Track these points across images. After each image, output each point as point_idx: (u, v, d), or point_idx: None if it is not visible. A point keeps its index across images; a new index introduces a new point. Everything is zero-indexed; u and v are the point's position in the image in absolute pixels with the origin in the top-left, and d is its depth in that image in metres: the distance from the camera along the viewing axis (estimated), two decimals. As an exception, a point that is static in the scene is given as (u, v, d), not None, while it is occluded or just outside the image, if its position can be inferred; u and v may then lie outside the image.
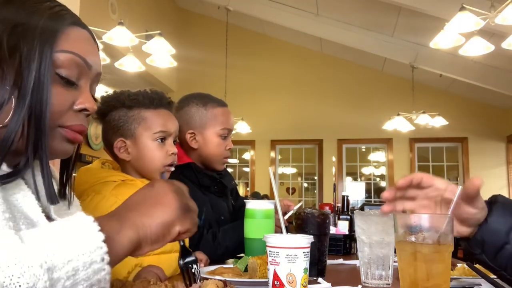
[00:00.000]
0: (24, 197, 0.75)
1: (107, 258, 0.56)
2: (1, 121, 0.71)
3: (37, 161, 0.86)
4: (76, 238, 0.55)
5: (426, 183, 0.92)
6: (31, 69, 0.71)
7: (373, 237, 1.14)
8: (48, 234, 0.54)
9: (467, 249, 0.92)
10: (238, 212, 1.94)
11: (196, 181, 1.76)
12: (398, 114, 7.61)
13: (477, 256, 0.89)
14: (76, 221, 0.57)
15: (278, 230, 1.49)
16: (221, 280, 0.88)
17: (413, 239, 0.81)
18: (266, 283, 0.91)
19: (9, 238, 0.52)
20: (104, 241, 0.56)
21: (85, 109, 0.79)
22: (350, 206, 2.16)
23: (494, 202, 0.92)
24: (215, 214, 1.77)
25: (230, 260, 1.50)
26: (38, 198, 0.81)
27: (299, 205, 1.77)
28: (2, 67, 0.71)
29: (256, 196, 7.47)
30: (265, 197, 7.33)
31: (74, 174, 0.92)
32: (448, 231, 0.81)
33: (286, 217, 1.56)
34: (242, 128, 7.81)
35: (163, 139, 1.40)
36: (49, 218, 0.79)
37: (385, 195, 0.93)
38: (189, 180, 1.74)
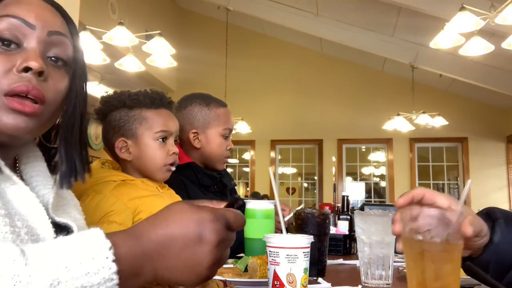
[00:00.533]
0: (16, 191, 0.72)
1: None
2: None
3: (34, 152, 0.84)
4: (87, 264, 0.50)
5: (428, 200, 0.84)
6: None
7: (373, 237, 1.14)
8: (56, 256, 0.50)
9: (468, 269, 0.88)
10: None
11: (196, 180, 1.76)
12: (398, 114, 7.61)
13: (480, 276, 0.85)
14: (91, 244, 0.52)
15: (278, 231, 1.50)
16: (221, 280, 0.88)
17: (420, 237, 0.76)
18: (266, 283, 0.91)
19: (13, 257, 0.48)
20: (117, 273, 0.51)
21: (28, 68, 0.71)
22: (350, 206, 2.16)
23: (495, 219, 0.86)
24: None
25: (230, 260, 1.50)
26: (39, 194, 0.79)
27: (299, 207, 1.78)
28: None
29: (256, 196, 7.47)
30: (265, 197, 7.33)
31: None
32: (457, 228, 0.75)
33: (286, 219, 1.56)
34: (242, 128, 7.81)
35: (164, 139, 1.41)
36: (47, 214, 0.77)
37: (395, 230, 0.83)
38: (189, 180, 1.74)
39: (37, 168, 0.83)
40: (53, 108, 0.77)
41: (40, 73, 0.72)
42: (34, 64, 0.71)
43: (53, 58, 0.77)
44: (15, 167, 0.82)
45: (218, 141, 1.82)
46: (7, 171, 0.72)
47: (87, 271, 0.49)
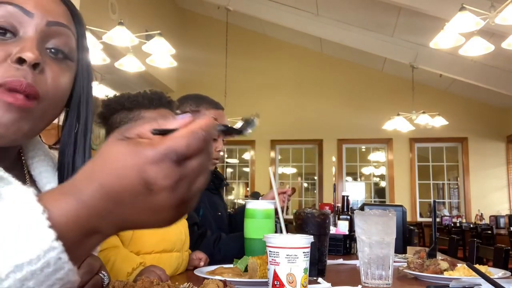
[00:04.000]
0: (10, 192, 0.69)
1: (64, 257, 0.43)
2: None
3: (36, 152, 0.80)
4: (19, 239, 0.42)
5: None
6: None
7: (373, 237, 1.14)
8: None
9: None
10: (237, 214, 1.94)
11: None
12: (398, 114, 7.61)
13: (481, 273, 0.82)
14: (21, 212, 0.43)
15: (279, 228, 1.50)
16: (221, 280, 0.88)
17: None
18: (266, 283, 0.91)
19: None
20: (57, 239, 0.43)
21: (22, 59, 0.65)
22: (350, 206, 2.16)
23: None
24: (213, 211, 1.78)
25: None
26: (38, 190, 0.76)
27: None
28: None
29: (256, 196, 7.47)
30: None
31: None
32: None
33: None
34: (242, 128, 7.80)
35: (164, 139, 1.41)
36: None
37: None
38: None
39: (45, 163, 0.80)
40: (51, 104, 0.70)
41: (35, 65, 0.66)
42: (28, 56, 0.65)
43: (52, 50, 0.71)
44: (20, 160, 0.78)
45: None
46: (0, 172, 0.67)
47: (20, 249, 0.42)
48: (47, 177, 0.79)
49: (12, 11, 0.67)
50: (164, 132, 0.46)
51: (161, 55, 5.21)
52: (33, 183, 0.78)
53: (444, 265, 1.24)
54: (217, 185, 1.86)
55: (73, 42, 0.74)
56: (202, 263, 1.43)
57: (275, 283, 0.87)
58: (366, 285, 1.15)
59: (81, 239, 0.45)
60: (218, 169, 1.98)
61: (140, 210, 0.46)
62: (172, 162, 0.44)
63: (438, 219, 8.03)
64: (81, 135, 0.78)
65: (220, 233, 1.64)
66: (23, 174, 0.77)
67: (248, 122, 0.56)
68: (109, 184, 0.44)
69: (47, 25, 0.69)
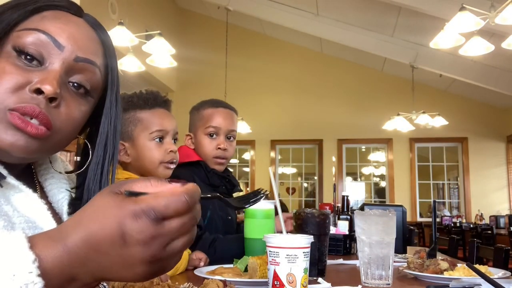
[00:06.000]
0: (22, 199, 0.68)
1: None
2: None
3: (44, 165, 0.80)
4: (7, 284, 0.44)
5: None
6: None
7: (373, 237, 1.14)
8: None
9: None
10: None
11: (206, 179, 1.77)
12: (398, 114, 7.61)
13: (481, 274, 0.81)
14: (11, 257, 0.45)
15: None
16: (221, 280, 0.88)
17: None
18: (266, 283, 0.91)
19: None
20: (44, 287, 0.46)
21: (40, 90, 0.65)
22: (350, 206, 2.16)
23: None
24: (222, 213, 1.78)
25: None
26: (48, 201, 0.76)
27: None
28: None
29: (256, 196, 7.46)
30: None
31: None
32: None
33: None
34: (242, 128, 7.79)
35: (161, 138, 1.41)
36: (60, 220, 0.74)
37: None
38: (199, 178, 1.75)
39: (52, 170, 0.80)
40: (62, 135, 0.70)
41: (51, 99, 0.66)
42: (47, 88, 0.65)
43: (75, 84, 0.71)
44: (29, 168, 0.78)
45: (204, 141, 1.83)
46: (11, 180, 0.68)
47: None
48: (51, 184, 0.78)
49: (44, 40, 0.68)
50: (137, 194, 0.49)
51: (161, 55, 5.22)
52: (41, 190, 0.78)
53: (444, 265, 1.24)
54: (230, 190, 1.87)
55: (97, 79, 0.74)
56: (202, 263, 1.43)
57: (275, 283, 0.87)
58: (366, 285, 1.15)
59: (62, 285, 0.48)
60: (232, 173, 2.00)
61: (115, 261, 0.48)
62: (149, 219, 0.47)
63: (438, 219, 8.03)
64: (106, 171, 0.78)
65: (218, 235, 1.64)
66: (33, 181, 0.77)
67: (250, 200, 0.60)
68: (92, 232, 0.48)
69: (74, 60, 0.70)
